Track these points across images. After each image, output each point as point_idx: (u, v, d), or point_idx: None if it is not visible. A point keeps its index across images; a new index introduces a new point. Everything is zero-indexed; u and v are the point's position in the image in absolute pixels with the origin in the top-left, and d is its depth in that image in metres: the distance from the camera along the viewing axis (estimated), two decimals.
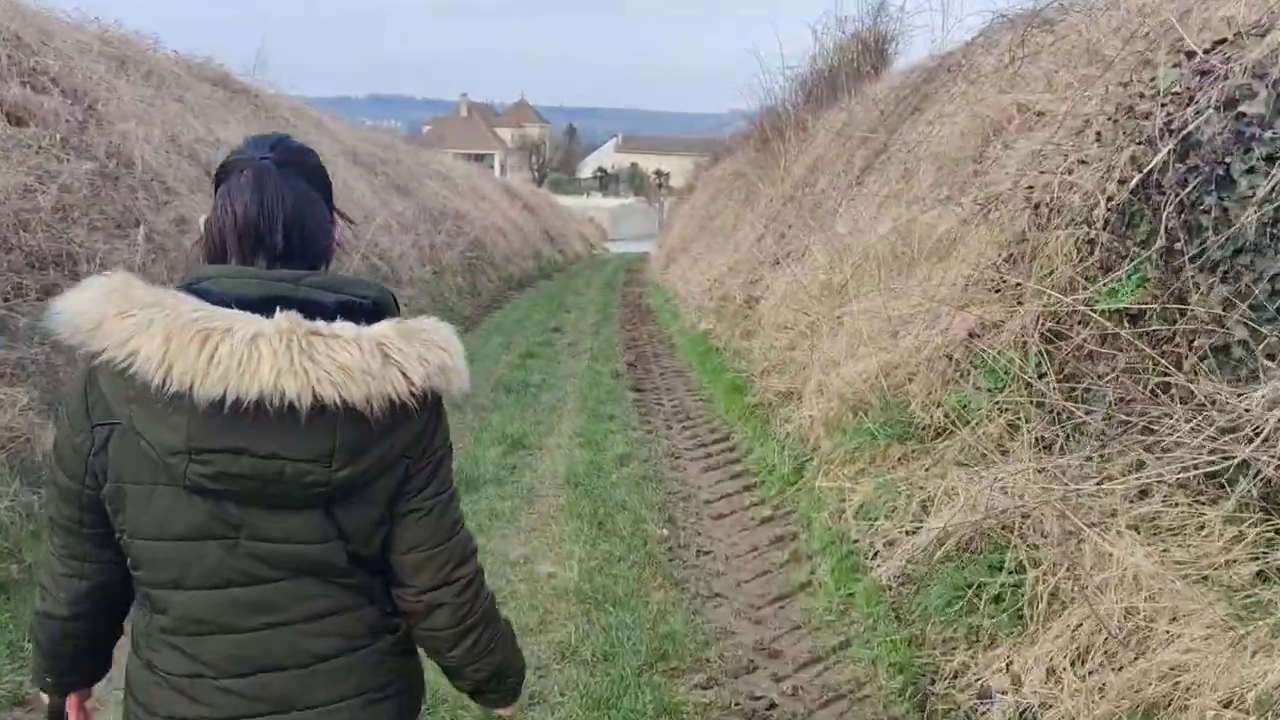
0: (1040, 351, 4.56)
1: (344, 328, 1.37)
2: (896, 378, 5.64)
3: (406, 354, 1.40)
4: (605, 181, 69.42)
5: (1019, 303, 4.97)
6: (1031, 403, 4.45)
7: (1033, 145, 5.66)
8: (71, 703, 1.73)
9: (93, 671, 1.71)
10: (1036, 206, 5.20)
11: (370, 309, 1.44)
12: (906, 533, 4.67)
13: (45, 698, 1.73)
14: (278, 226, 1.44)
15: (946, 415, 5.05)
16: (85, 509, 1.49)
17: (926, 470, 5.02)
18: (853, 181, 9.88)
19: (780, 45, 19.33)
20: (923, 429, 5.27)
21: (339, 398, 1.35)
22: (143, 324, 1.32)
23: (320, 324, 1.36)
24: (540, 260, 26.91)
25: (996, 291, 5.35)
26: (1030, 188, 5.23)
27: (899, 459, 5.29)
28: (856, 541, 4.90)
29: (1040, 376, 4.51)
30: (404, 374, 1.39)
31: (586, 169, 74.82)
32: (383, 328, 1.41)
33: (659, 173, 65.44)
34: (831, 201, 9.95)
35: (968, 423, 4.86)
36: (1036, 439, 4.37)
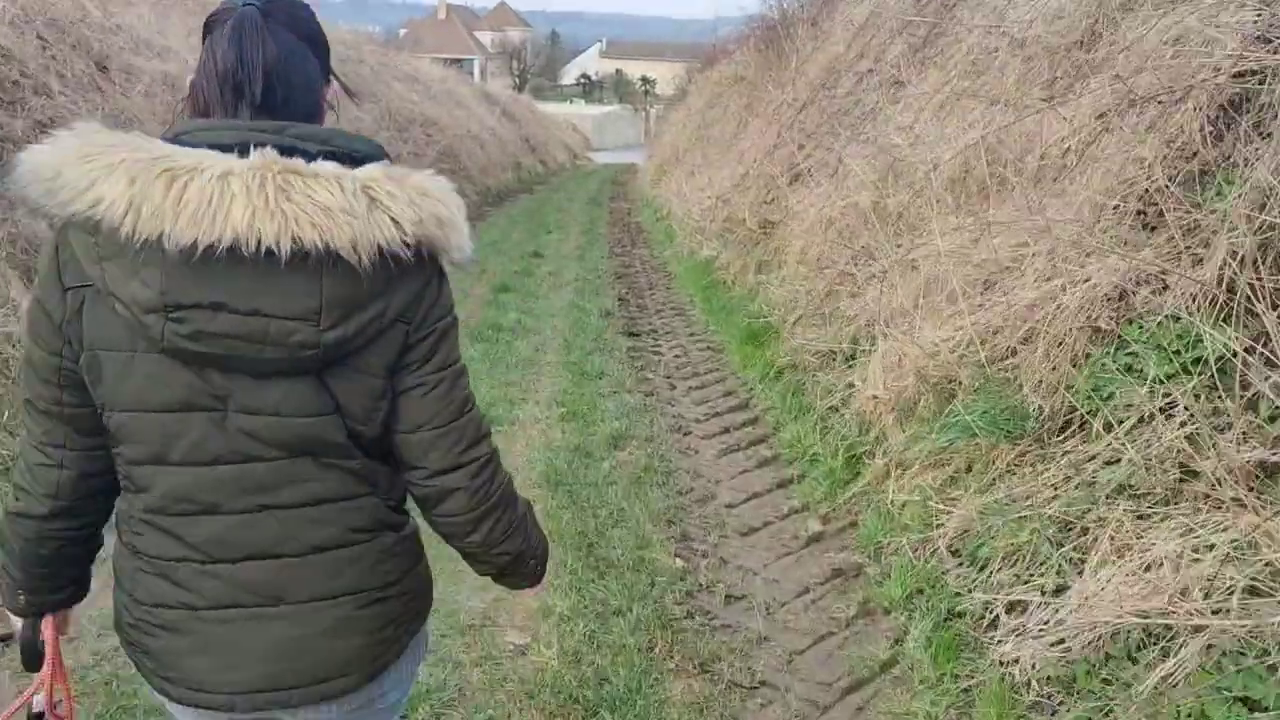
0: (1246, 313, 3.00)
1: (325, 166, 1.23)
2: (997, 346, 4.05)
3: (396, 198, 1.24)
4: (589, 88, 66.61)
5: (1204, 245, 3.36)
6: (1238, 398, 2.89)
7: (1190, 19, 3.99)
8: (48, 626, 1.52)
9: (72, 587, 1.51)
10: (1227, 106, 3.56)
11: (358, 161, 1.27)
12: (1043, 594, 3.14)
13: (16, 623, 1.52)
14: (258, 75, 1.29)
15: (1081, 406, 3.48)
16: (64, 386, 1.32)
17: (1056, 490, 3.46)
18: (890, 79, 8.14)
19: None
20: (1042, 423, 3.70)
21: (320, 241, 1.20)
22: (104, 167, 1.18)
23: (299, 162, 1.22)
24: (520, 171, 24.98)
25: (1151, 230, 3.74)
26: (1211, 75, 3.58)
27: (1010, 466, 3.73)
28: (960, 596, 3.37)
29: (1249, 351, 2.94)
30: (393, 219, 1.23)
31: (570, 75, 71.77)
32: (370, 169, 1.26)
33: (645, 79, 62.70)
34: (867, 105, 8.21)
35: (1120, 421, 3.31)
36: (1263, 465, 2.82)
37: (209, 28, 1.34)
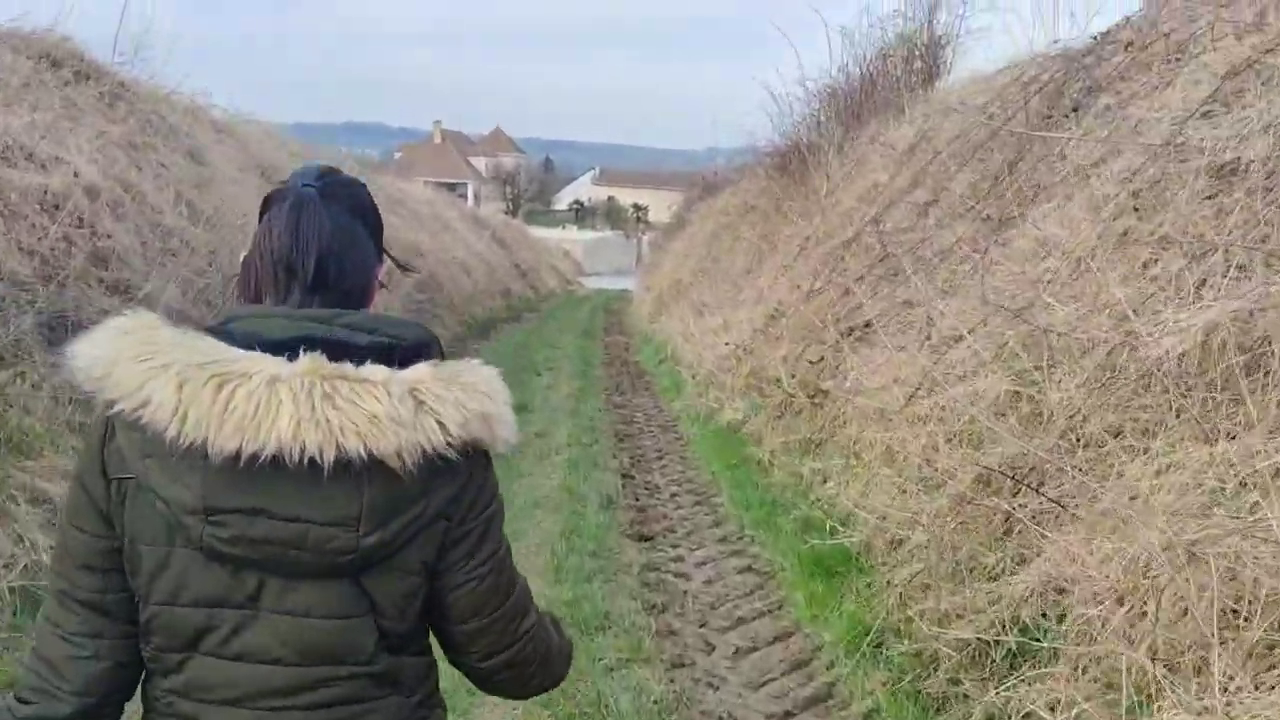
0: None
1: (374, 371, 1.19)
2: None
3: (443, 399, 1.21)
4: (581, 214, 65.98)
5: None
6: None
7: None
8: None
9: None
10: None
11: (409, 351, 1.24)
12: None
13: None
14: (311, 256, 1.28)
15: None
16: (108, 571, 1.26)
17: None
18: (968, 213, 6.34)
19: (799, 58, 15.69)
20: None
21: (364, 450, 1.16)
22: (157, 368, 1.17)
23: (347, 367, 1.19)
24: (510, 299, 23.26)
25: None
26: None
27: None
28: None
29: None
30: (440, 423, 1.20)
31: (563, 201, 71.33)
32: (418, 371, 1.22)
33: (637, 206, 62.13)
34: (938, 244, 6.39)
35: None
36: None
37: (267, 206, 1.35)
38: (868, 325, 6.63)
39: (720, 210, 16.19)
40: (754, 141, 15.62)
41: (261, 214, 1.34)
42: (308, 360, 1.17)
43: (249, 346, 1.19)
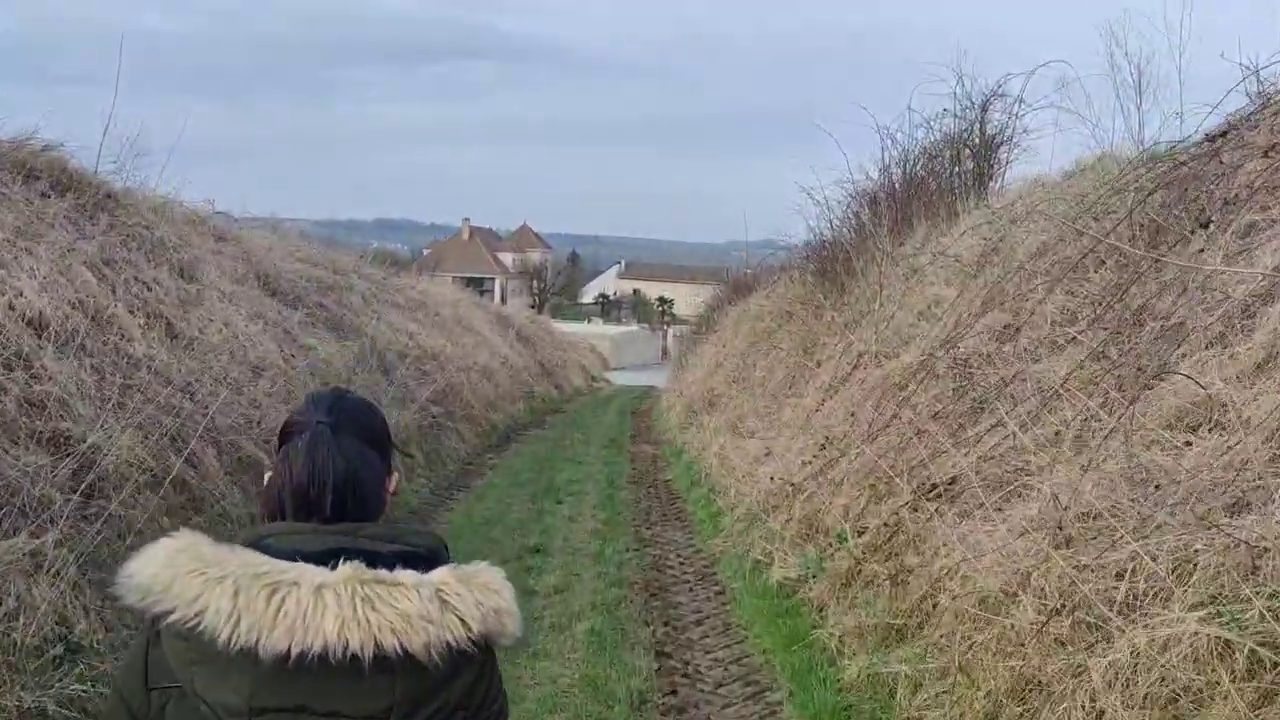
0: None
1: (405, 575, 1.37)
2: None
3: (464, 599, 1.37)
4: (607, 307, 65.41)
5: None
6: None
7: None
8: None
9: None
10: None
11: (425, 557, 1.43)
12: None
13: None
14: (327, 493, 1.44)
15: None
16: None
17: None
18: (1105, 354, 5.16)
19: (845, 157, 14.67)
20: None
21: (399, 646, 1.32)
22: (214, 579, 1.30)
23: (383, 572, 1.35)
24: (533, 401, 22.17)
25: None
26: None
27: None
28: None
29: None
30: (461, 619, 1.36)
31: (589, 294, 70.92)
32: (441, 574, 1.40)
33: (662, 299, 61.53)
34: (1040, 381, 5.22)
35: None
36: None
37: (284, 437, 1.51)
38: (953, 483, 5.43)
39: (755, 315, 15.12)
40: (787, 240, 14.66)
41: (280, 443, 1.52)
42: (349, 568, 1.33)
43: (290, 559, 1.35)
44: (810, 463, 8.22)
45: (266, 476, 1.51)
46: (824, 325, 11.44)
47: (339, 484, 1.44)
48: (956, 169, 11.73)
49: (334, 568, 1.34)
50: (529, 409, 21.02)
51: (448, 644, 1.34)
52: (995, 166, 11.33)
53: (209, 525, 6.21)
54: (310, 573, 1.33)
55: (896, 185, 12.30)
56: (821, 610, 5.98)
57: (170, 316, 7.70)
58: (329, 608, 1.29)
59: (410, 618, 1.32)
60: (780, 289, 14.86)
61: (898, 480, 5.96)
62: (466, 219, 69.87)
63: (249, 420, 7.59)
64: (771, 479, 8.35)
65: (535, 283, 63.53)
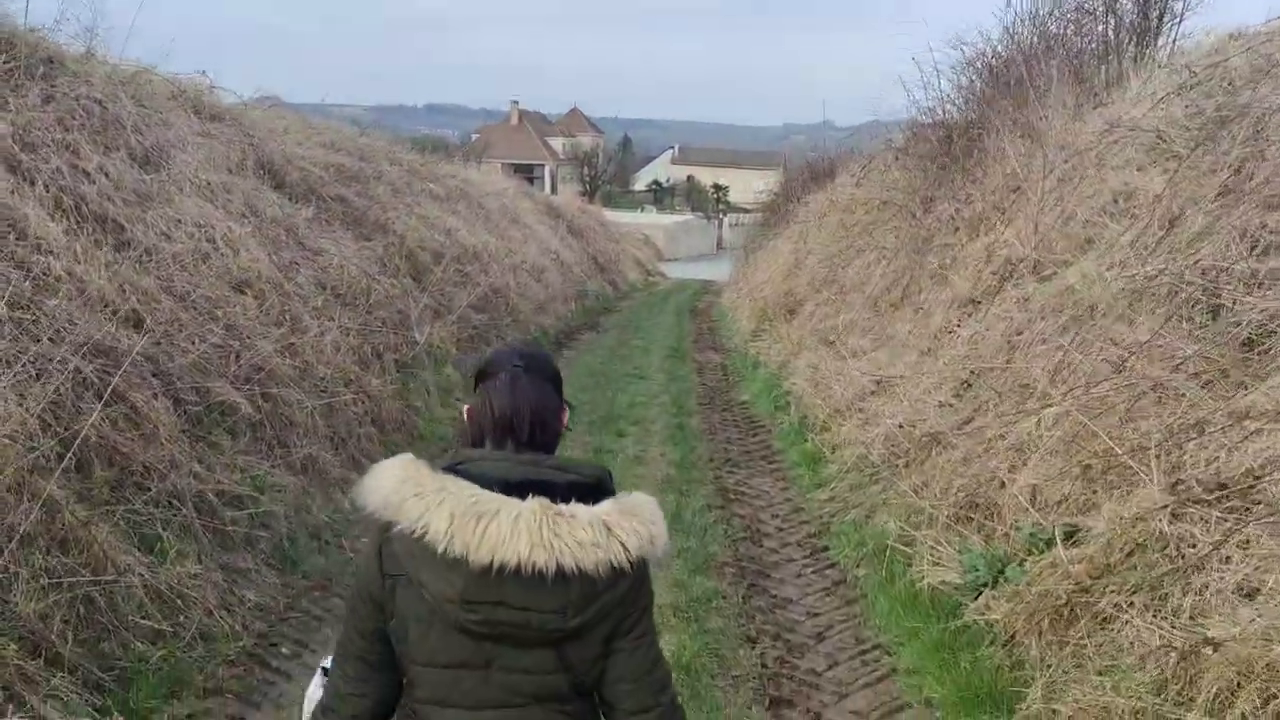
0: None
1: (579, 509, 1.70)
2: None
3: (625, 529, 1.71)
4: (660, 195, 62.68)
5: None
6: None
7: None
8: None
9: None
10: None
11: (593, 487, 1.77)
12: None
13: None
14: (524, 422, 1.80)
15: None
16: (375, 639, 1.79)
17: None
18: None
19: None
20: None
21: (574, 564, 1.66)
22: (433, 504, 1.67)
23: (563, 506, 1.69)
24: (586, 300, 20.25)
25: None
26: None
27: None
28: None
29: None
30: (623, 545, 1.70)
31: (641, 181, 68.05)
32: (606, 508, 1.72)
33: (718, 186, 58.66)
34: None
35: None
36: None
37: (482, 377, 1.86)
38: (1258, 479, 3.42)
39: (844, 206, 12.88)
40: (806, 130, 12.35)
41: (477, 383, 1.87)
42: (537, 503, 1.68)
43: (488, 484, 1.70)
44: (951, 405, 6.22)
45: (465, 410, 1.88)
46: (939, 221, 9.26)
47: (532, 414, 1.80)
48: (1111, 21, 9.28)
49: (523, 497, 1.69)
50: (581, 310, 19.12)
51: (611, 563, 1.69)
52: (1165, 18, 8.88)
53: (148, 513, 4.43)
54: (508, 504, 1.67)
55: (1029, 43, 9.89)
56: (1013, 646, 4.08)
57: (119, 218, 5.81)
58: (522, 534, 1.65)
59: (584, 544, 1.67)
60: (875, 175, 12.59)
61: (1134, 464, 3.96)
62: (515, 102, 66.87)
63: (225, 353, 5.74)
64: (900, 426, 6.37)
65: (586, 170, 60.86)
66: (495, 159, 46.75)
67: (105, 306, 5.05)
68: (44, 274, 4.75)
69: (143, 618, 4.14)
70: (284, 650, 4.54)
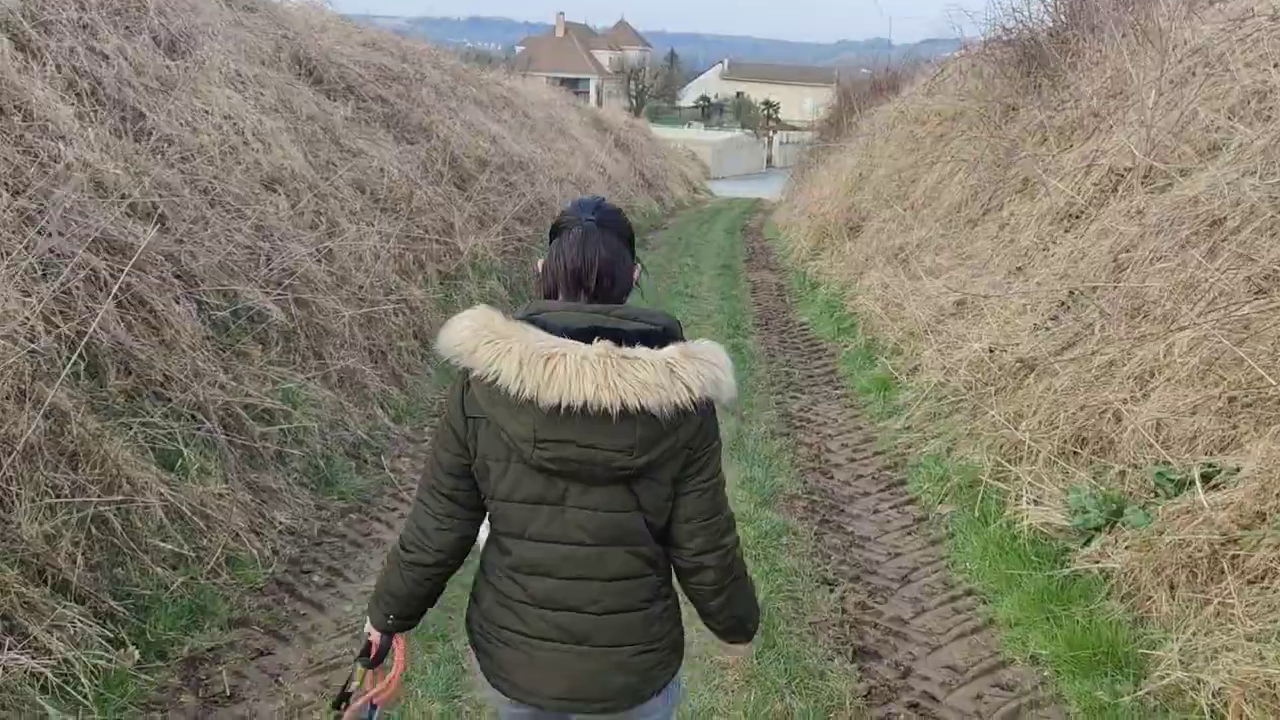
0: None
1: (642, 351, 1.75)
2: None
3: (689, 371, 1.75)
4: (708, 111, 61.14)
5: None
6: None
7: None
8: (398, 644, 2.08)
9: (420, 617, 2.06)
10: None
11: (660, 334, 1.80)
12: None
13: (375, 636, 2.05)
14: (594, 274, 1.85)
15: None
16: (461, 478, 1.89)
17: None
18: None
19: None
20: None
21: (638, 404, 1.72)
22: (503, 350, 1.74)
23: (627, 349, 1.75)
24: (633, 217, 19.53)
25: None
26: None
27: None
28: None
29: None
30: (686, 386, 1.74)
31: (688, 97, 66.38)
32: (670, 351, 1.76)
33: (768, 103, 57.04)
34: None
35: None
36: None
37: (555, 232, 1.91)
38: None
39: (914, 118, 12.07)
40: (857, 47, 11.52)
41: (551, 238, 1.92)
42: (601, 346, 1.73)
43: (557, 333, 1.76)
44: (1047, 328, 5.63)
45: (540, 264, 1.93)
46: (1025, 129, 8.52)
47: (601, 267, 1.84)
48: None
49: (590, 344, 1.74)
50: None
51: (675, 404, 1.74)
52: None
53: (168, 426, 4.03)
54: (574, 348, 1.73)
55: None
56: (1136, 600, 3.58)
57: (139, 105, 5.33)
58: (587, 375, 1.71)
59: (647, 385, 1.72)
60: (950, 84, 11.76)
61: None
62: (561, 13, 65.15)
63: (253, 255, 5.29)
64: (991, 351, 5.80)
65: (632, 84, 59.41)
66: (539, 72, 45.55)
67: (122, 199, 4.59)
68: (52, 159, 4.29)
69: (163, 540, 3.77)
70: (316, 578, 4.16)
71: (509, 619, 1.91)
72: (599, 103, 50.89)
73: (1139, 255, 5.25)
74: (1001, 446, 5.04)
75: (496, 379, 1.74)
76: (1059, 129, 7.87)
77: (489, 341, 1.75)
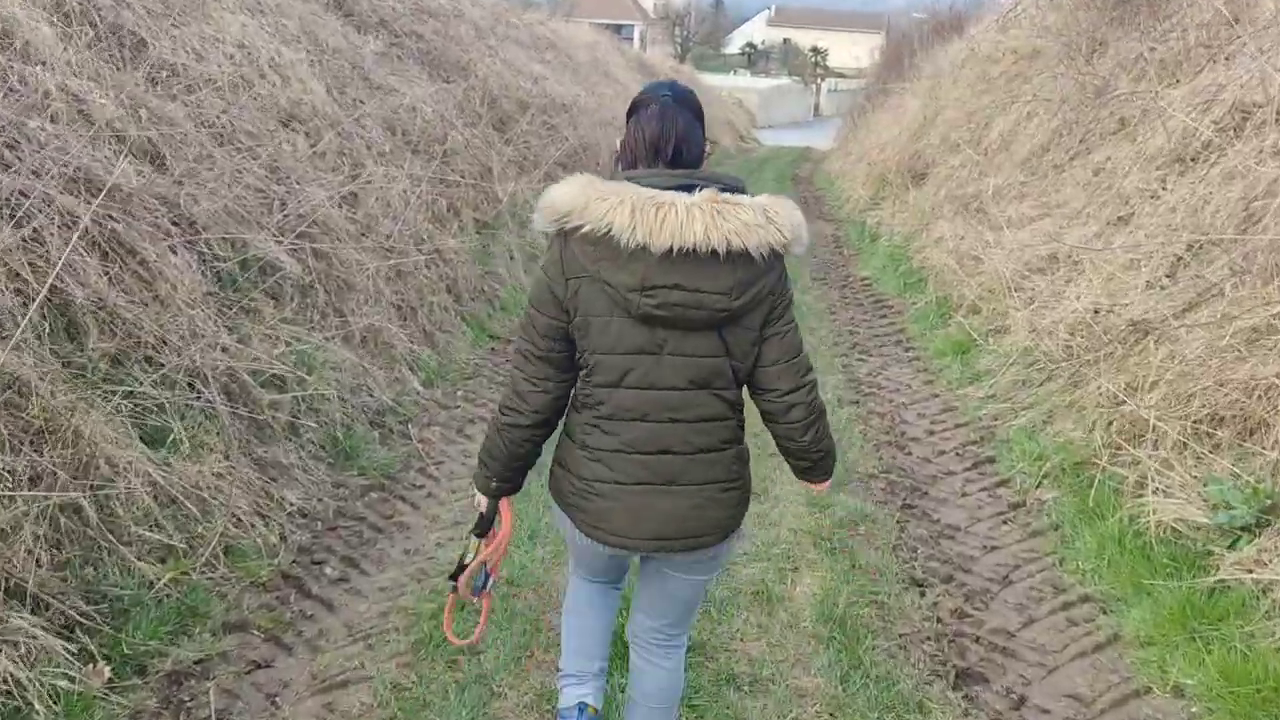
0: None
1: (742, 198, 1.93)
2: None
3: (780, 214, 1.96)
4: (754, 58, 59.52)
5: None
6: None
7: None
8: (504, 504, 2.30)
9: (520, 480, 2.26)
10: None
11: (740, 189, 1.99)
12: None
13: (482, 502, 2.28)
14: (670, 144, 2.02)
15: None
16: (557, 339, 2.04)
17: None
18: None
19: None
20: None
21: (741, 244, 1.90)
22: (615, 203, 1.89)
23: (727, 195, 1.92)
24: None
25: None
26: None
27: None
28: None
29: None
30: (779, 228, 1.95)
31: (734, 44, 64.67)
32: (763, 199, 1.97)
33: (816, 50, 55.33)
34: None
35: None
36: None
37: (634, 109, 2.09)
38: None
39: (985, 57, 11.14)
40: None
41: (630, 115, 2.09)
42: (708, 193, 1.91)
43: None
44: (1162, 286, 4.90)
45: (619, 141, 2.11)
46: (1120, 64, 7.66)
47: (678, 138, 2.02)
48: None
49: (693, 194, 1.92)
50: None
51: (770, 245, 1.93)
52: None
53: (159, 396, 3.49)
54: (682, 197, 1.90)
55: None
56: None
57: (139, 30, 4.73)
58: (697, 219, 1.87)
59: (749, 225, 1.90)
60: (1024, 21, 10.80)
61: None
62: None
63: (266, 200, 4.70)
64: (1095, 312, 5.09)
65: (678, 30, 57.90)
66: (583, 18, 44.33)
67: (114, 136, 4.01)
68: (24, 84, 3.71)
69: (149, 529, 3.24)
70: (329, 570, 3.62)
71: (600, 471, 2.09)
72: (643, 49, 49.56)
73: (1279, 202, 4.49)
74: (1112, 423, 4.35)
75: (609, 230, 1.88)
76: (1161, 63, 7.02)
77: (599, 198, 1.90)
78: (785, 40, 60.87)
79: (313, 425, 4.27)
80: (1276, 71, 5.21)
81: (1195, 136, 5.62)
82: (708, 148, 2.11)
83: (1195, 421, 3.89)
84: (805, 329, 7.36)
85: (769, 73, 55.17)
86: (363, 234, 5.43)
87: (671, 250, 1.87)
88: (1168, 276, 4.97)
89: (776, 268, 1.99)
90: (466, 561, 2.34)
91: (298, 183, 4.91)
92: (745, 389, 2.12)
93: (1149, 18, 7.76)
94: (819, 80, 51.53)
